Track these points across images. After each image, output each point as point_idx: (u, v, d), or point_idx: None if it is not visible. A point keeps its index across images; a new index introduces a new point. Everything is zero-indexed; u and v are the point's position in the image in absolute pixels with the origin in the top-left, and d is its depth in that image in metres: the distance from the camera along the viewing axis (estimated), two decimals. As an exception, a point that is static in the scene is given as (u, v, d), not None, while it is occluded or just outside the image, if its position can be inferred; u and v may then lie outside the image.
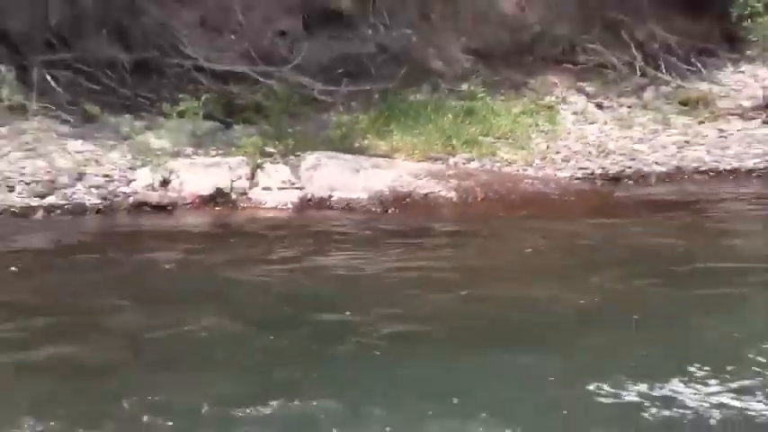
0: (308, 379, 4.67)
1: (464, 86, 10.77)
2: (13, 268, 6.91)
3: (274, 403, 4.32)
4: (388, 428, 4.11)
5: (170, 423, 4.20)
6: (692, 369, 4.96)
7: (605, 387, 4.75)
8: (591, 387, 4.73)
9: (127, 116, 9.46)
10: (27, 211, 8.29)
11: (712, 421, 4.57)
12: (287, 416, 4.48)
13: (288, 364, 5.05)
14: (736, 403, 4.77)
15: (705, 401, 4.74)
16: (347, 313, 5.56)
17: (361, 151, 9.52)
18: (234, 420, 4.24)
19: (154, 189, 9.22)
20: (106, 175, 9.01)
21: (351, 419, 4.41)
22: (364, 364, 4.96)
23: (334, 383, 4.57)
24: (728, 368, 5.08)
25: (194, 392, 4.58)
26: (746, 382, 4.91)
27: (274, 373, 4.94)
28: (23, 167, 8.45)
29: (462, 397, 4.60)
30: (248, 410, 4.28)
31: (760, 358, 5.24)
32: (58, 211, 8.16)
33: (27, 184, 9.01)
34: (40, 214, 8.53)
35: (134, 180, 9.16)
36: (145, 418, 4.13)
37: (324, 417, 4.36)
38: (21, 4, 9.71)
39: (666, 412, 4.67)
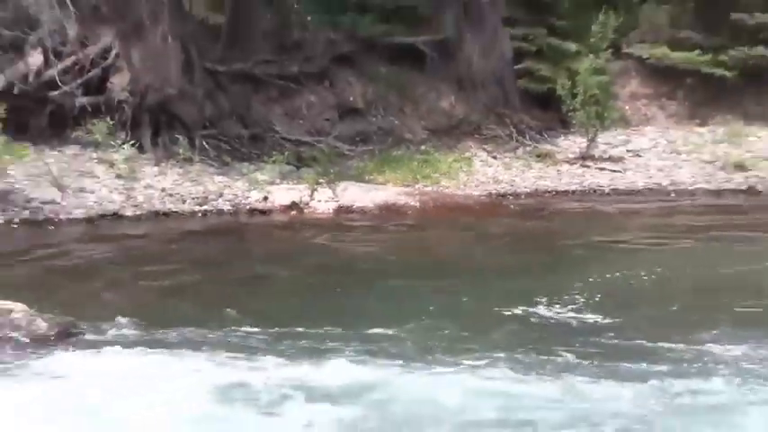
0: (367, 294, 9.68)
1: (423, 147, 17.09)
2: (187, 243, 12.86)
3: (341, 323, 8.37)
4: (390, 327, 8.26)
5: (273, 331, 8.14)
6: (539, 299, 9.10)
7: (491, 305, 8.95)
8: (485, 302, 9.07)
9: (245, 163, 15.58)
10: (192, 214, 14.20)
11: (560, 328, 8.39)
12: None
13: (342, 286, 10.01)
14: (573, 316, 8.77)
15: (555, 317, 8.74)
16: (366, 262, 11.59)
17: (368, 181, 15.67)
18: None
19: (259, 201, 15.72)
20: (234, 195, 15.41)
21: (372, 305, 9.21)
22: (380, 284, 9.95)
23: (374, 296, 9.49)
24: (564, 297, 9.28)
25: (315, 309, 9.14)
26: (574, 305, 9.01)
27: (332, 295, 9.61)
28: (191, 190, 14.45)
29: (416, 305, 9.00)
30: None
31: (579, 294, 9.28)
32: (208, 214, 14.09)
33: (193, 198, 15.22)
34: (198, 216, 14.97)
35: (249, 197, 15.62)
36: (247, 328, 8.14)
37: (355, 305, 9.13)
38: (188, 104, 15.70)
39: (534, 320, 8.67)
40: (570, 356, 7.83)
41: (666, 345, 8.21)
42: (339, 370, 7.29)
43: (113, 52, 15.79)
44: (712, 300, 9.71)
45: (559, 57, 17.56)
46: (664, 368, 7.61)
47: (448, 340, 8.25)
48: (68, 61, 15.72)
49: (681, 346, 8.20)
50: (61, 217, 13.58)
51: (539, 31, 17.76)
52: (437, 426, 6.41)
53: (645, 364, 7.71)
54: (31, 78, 15.63)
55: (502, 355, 7.73)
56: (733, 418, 6.60)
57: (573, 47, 17.27)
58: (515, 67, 18.12)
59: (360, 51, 17.66)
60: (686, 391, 7.05)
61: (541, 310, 9.33)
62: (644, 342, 8.33)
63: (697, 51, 18.09)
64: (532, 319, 9.06)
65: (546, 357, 7.86)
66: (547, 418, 6.55)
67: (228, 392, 6.76)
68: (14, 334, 8.91)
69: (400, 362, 7.57)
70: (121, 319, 8.74)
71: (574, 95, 16.47)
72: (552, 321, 9.11)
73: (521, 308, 9.28)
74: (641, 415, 6.69)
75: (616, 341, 8.45)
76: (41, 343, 8.62)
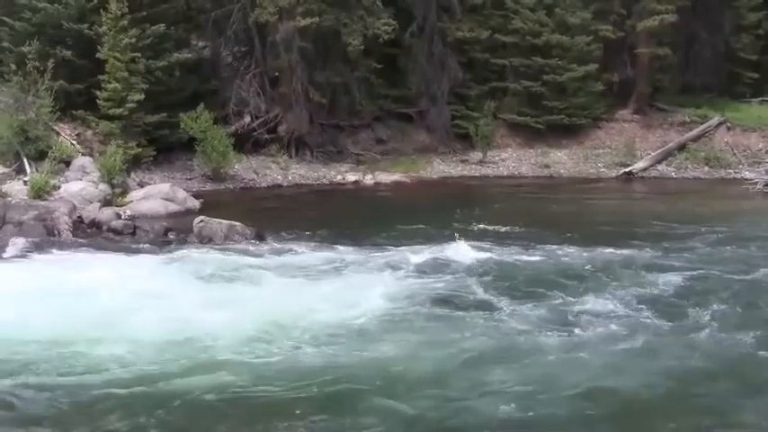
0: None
1: (412, 157, 32.31)
2: (311, 196, 29.84)
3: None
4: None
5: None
6: (471, 219, 23.27)
7: (449, 222, 24.86)
8: (446, 221, 23.81)
9: (334, 163, 31.90)
10: (312, 185, 30.88)
11: (483, 231, 23.98)
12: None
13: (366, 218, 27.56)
14: (489, 227, 24.72)
15: (479, 226, 22.42)
16: (388, 202, 28.68)
17: (388, 171, 31.00)
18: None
19: (341, 180, 32.52)
20: (330, 176, 30.70)
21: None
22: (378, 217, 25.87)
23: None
24: (481, 218, 25.82)
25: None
26: (491, 221, 24.97)
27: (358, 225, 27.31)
28: (311, 174, 30.68)
29: (413, 220, 24.21)
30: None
31: (494, 217, 24.35)
32: (319, 184, 30.94)
33: (312, 178, 33.18)
34: (314, 185, 33.41)
35: (336, 177, 30.66)
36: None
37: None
38: (310, 137, 31.46)
39: (470, 228, 26.68)
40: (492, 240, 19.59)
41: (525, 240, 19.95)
42: (376, 252, 17.78)
43: (279, 115, 32.23)
44: (554, 222, 22.12)
45: (470, 119, 33.44)
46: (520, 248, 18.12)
47: (434, 234, 19.62)
48: (261, 119, 32.08)
49: (538, 244, 19.44)
50: (257, 186, 29.41)
51: (460, 107, 34.28)
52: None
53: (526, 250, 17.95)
54: (245, 126, 31.64)
55: (454, 243, 18.36)
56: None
57: (476, 114, 33.37)
58: (452, 122, 34.20)
59: (384, 114, 34.02)
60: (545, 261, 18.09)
61: (473, 225, 21.29)
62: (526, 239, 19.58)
63: (528, 117, 34.56)
64: (469, 228, 20.86)
65: (474, 242, 18.47)
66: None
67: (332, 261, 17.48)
68: (237, 236, 20.08)
69: (407, 246, 18.40)
70: (283, 233, 20.02)
71: (476, 135, 32.84)
72: (477, 227, 21.11)
73: (463, 224, 21.22)
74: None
75: (510, 240, 19.34)
76: (248, 239, 20.13)
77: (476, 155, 33.75)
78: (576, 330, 13.33)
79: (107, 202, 23.66)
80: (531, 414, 10.31)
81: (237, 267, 17.17)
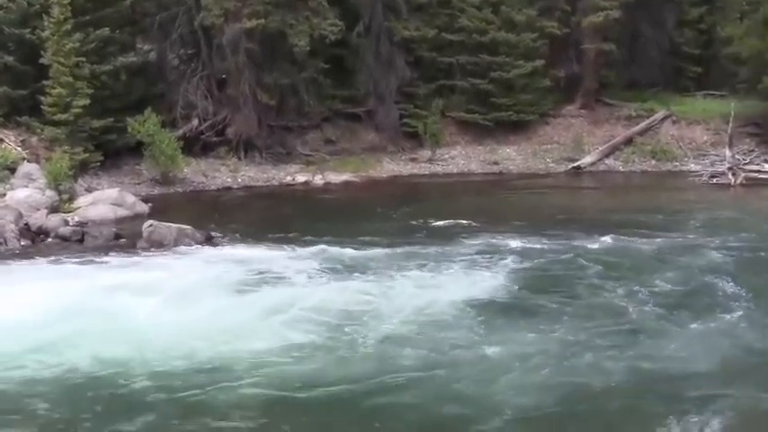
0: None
1: (361, 156, 32.37)
2: (260, 198, 29.71)
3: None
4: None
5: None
6: (423, 214, 24.64)
7: (404, 220, 23.82)
8: (398, 218, 25.69)
9: (283, 164, 31.82)
10: (262, 186, 33.13)
11: (437, 228, 25.36)
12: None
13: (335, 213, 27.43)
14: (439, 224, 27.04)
15: (433, 224, 25.35)
16: (339, 202, 28.57)
17: (337, 171, 30.91)
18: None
19: (290, 180, 33.19)
20: (279, 177, 33.30)
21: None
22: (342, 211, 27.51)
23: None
24: (431, 213, 27.35)
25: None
26: (441, 216, 23.72)
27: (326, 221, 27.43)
28: (261, 176, 30.66)
29: (364, 220, 25.50)
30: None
31: (442, 211, 27.50)
32: (268, 185, 32.96)
33: (261, 179, 33.64)
34: (264, 186, 33.37)
35: (285, 178, 32.06)
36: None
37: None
38: (259, 139, 31.46)
39: (421, 224, 26.60)
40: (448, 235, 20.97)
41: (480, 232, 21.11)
42: (320, 249, 18.04)
43: (228, 118, 32.08)
44: (503, 217, 22.58)
45: (419, 117, 33.78)
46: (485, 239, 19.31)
47: (388, 233, 20.05)
48: (209, 122, 32.01)
49: (499, 234, 19.68)
50: (206, 189, 29.45)
51: (408, 106, 34.47)
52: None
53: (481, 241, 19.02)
54: (193, 130, 31.53)
55: (407, 237, 19.84)
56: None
57: (425, 113, 33.69)
58: (400, 121, 34.47)
59: (332, 114, 34.11)
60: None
61: (429, 220, 22.09)
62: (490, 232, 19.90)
63: (476, 114, 35.03)
64: (426, 224, 21.83)
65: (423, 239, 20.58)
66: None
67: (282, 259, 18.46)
68: (187, 240, 19.96)
69: (356, 246, 18.37)
70: (233, 235, 20.16)
71: (425, 133, 33.22)
72: (431, 224, 21.70)
73: (416, 221, 22.14)
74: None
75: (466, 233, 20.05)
76: (198, 242, 20.01)
77: (425, 153, 34.12)
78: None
79: (54, 209, 23.53)
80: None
81: (186, 272, 17.10)
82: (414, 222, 22.58)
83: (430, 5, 35.76)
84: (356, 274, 16.70)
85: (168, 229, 20.39)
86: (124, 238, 21.00)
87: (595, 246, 19.04)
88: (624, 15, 36.15)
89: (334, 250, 18.54)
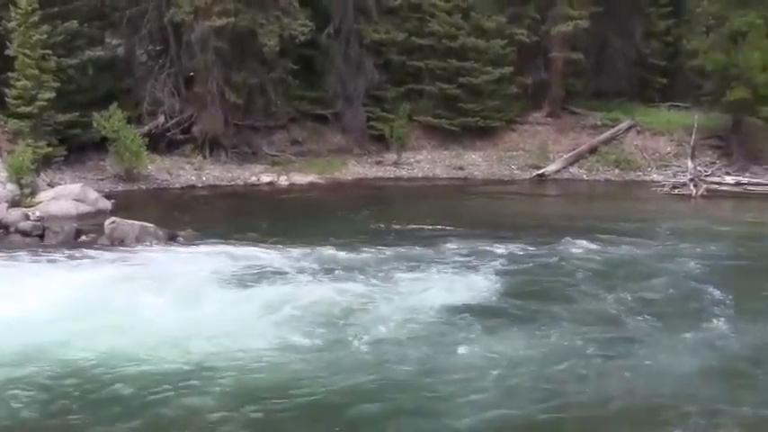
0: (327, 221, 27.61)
1: (327, 158, 32.30)
2: (224, 197, 29.58)
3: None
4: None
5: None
6: (387, 218, 24.32)
7: (366, 223, 23.87)
8: (361, 221, 25.35)
9: (249, 164, 31.62)
10: (227, 186, 33.08)
11: (399, 232, 26.23)
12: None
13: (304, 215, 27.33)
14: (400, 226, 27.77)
15: (395, 227, 22.95)
16: (303, 203, 28.56)
17: (303, 172, 31.07)
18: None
19: (255, 180, 33.37)
20: (245, 177, 33.46)
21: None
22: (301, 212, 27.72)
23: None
24: (395, 217, 26.60)
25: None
26: (404, 219, 25.15)
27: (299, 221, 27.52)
28: (226, 175, 30.64)
29: (327, 222, 27.02)
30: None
31: (405, 216, 27.21)
32: (234, 185, 32.97)
33: (226, 178, 33.47)
34: (229, 186, 33.47)
35: (251, 178, 33.02)
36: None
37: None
38: (225, 138, 31.66)
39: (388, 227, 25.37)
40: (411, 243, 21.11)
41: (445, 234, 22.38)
42: (282, 250, 18.18)
43: (194, 115, 31.98)
44: (465, 222, 22.90)
45: (386, 120, 33.78)
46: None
47: (347, 235, 19.95)
48: (175, 119, 32.08)
49: (457, 239, 20.26)
50: (170, 186, 29.56)
51: (375, 109, 34.44)
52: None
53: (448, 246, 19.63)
54: (159, 127, 31.48)
55: (365, 239, 19.67)
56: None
57: (392, 116, 33.67)
58: (367, 124, 34.37)
59: (299, 115, 34.04)
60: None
61: (392, 223, 22.21)
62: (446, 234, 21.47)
63: (443, 119, 34.99)
64: (389, 228, 21.83)
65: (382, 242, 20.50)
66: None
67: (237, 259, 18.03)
68: (150, 237, 19.98)
69: (324, 245, 18.55)
70: (196, 234, 20.11)
71: (391, 136, 33.28)
72: (394, 228, 21.87)
73: (379, 224, 22.17)
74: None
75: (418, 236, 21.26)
76: (161, 240, 19.94)
77: (391, 156, 34.23)
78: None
79: (15, 203, 23.45)
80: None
81: (146, 269, 17.08)
82: (376, 226, 22.62)
83: (401, 9, 35.80)
84: (316, 277, 16.72)
85: (131, 226, 20.36)
86: (86, 234, 20.87)
87: (557, 254, 19.26)
88: (593, 25, 36.44)
89: (295, 252, 18.61)
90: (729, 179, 32.29)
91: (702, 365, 12.06)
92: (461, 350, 12.51)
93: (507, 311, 14.62)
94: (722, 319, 14.13)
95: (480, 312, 14.36)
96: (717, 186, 31.45)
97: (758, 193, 31.08)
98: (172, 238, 20.44)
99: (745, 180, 32.35)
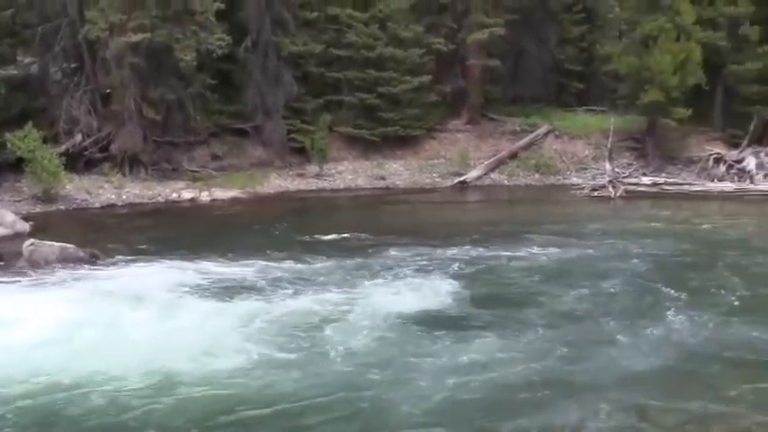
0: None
1: (248, 172, 32.03)
2: (144, 216, 29.44)
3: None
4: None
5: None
6: (311, 231, 25.59)
7: (290, 235, 24.65)
8: (284, 233, 27.26)
9: (170, 181, 32.80)
10: (147, 203, 32.57)
11: (324, 242, 26.23)
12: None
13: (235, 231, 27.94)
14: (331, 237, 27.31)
15: (322, 238, 26.00)
16: (227, 219, 28.87)
17: (224, 187, 30.83)
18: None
19: (177, 197, 33.43)
20: (165, 194, 32.81)
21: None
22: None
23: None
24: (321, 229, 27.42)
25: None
26: (329, 232, 26.47)
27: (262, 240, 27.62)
28: (146, 193, 30.14)
29: (250, 234, 27.52)
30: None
31: (332, 227, 27.54)
32: (155, 202, 32.80)
33: (147, 196, 33.14)
34: (150, 203, 33.04)
35: (172, 195, 32.50)
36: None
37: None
38: (145, 155, 33.40)
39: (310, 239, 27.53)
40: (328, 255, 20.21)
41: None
42: (208, 266, 18.40)
43: (112, 133, 31.71)
44: (396, 225, 24.86)
45: (307, 132, 33.81)
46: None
47: (271, 249, 20.13)
48: (93, 138, 31.68)
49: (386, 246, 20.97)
50: (90, 206, 29.08)
51: (295, 121, 34.37)
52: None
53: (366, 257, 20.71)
54: (76, 145, 31.11)
55: (287, 254, 19.53)
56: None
57: (312, 128, 33.68)
58: (288, 136, 34.20)
59: (219, 129, 33.85)
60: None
61: (316, 235, 22.45)
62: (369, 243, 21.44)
63: (364, 129, 35.05)
64: (313, 239, 21.99)
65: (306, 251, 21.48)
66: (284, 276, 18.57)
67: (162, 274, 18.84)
68: (70, 259, 19.63)
69: (244, 259, 19.06)
70: (117, 254, 19.78)
71: (312, 148, 33.27)
72: (319, 239, 22.02)
73: (304, 236, 22.32)
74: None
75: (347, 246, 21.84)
76: (82, 261, 19.84)
77: (312, 168, 34.26)
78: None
79: (-72, 229, 22.77)
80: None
81: (67, 291, 16.86)
82: (301, 238, 22.68)
83: (318, 21, 35.90)
84: (240, 292, 16.69)
85: (50, 248, 20.07)
86: (3, 257, 20.46)
87: (493, 258, 19.70)
88: (508, 33, 37.05)
89: (214, 268, 18.64)
90: (646, 180, 33.01)
91: (669, 363, 12.40)
92: (422, 357, 12.65)
93: (457, 317, 14.88)
94: (677, 314, 14.70)
95: (434, 319, 14.64)
96: (634, 187, 32.16)
97: (673, 192, 31.74)
98: (93, 259, 20.20)
99: (661, 180, 33.06)
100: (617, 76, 38.16)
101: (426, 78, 35.98)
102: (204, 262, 19.11)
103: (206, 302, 15.93)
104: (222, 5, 31.55)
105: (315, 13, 35.75)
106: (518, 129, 37.72)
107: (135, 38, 29.85)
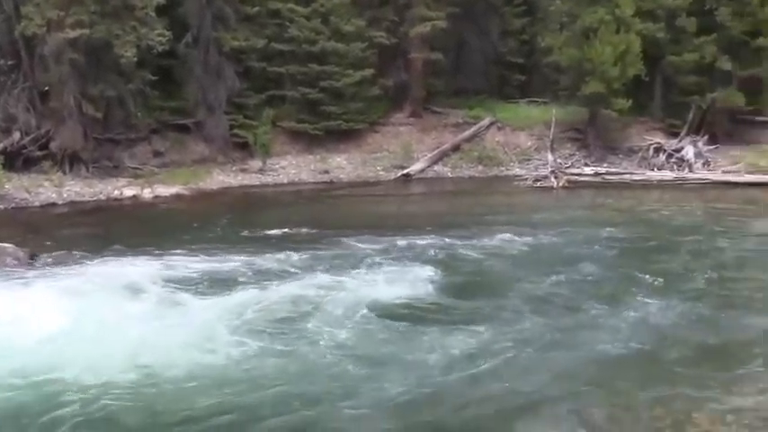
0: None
1: (191, 168, 31.84)
2: (86, 214, 29.07)
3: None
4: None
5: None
6: (257, 225, 27.25)
7: (235, 230, 26.73)
8: (228, 229, 27.78)
9: (111, 178, 32.95)
10: (89, 201, 32.78)
11: (272, 237, 27.43)
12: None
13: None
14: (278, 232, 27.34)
15: (267, 233, 27.27)
16: (171, 215, 28.73)
17: (167, 184, 31.12)
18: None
19: (118, 194, 33.33)
20: (107, 191, 33.10)
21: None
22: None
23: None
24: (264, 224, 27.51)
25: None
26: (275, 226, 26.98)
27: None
28: (87, 191, 29.52)
29: (195, 229, 27.59)
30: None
31: (274, 222, 27.63)
32: (96, 200, 32.65)
33: (88, 194, 32.89)
34: (91, 201, 32.79)
35: (114, 192, 32.63)
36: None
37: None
38: (85, 152, 33.47)
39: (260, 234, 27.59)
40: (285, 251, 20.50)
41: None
42: (153, 263, 18.51)
43: (51, 131, 31.29)
44: (341, 218, 25.04)
45: (249, 128, 33.79)
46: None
47: (215, 244, 20.24)
48: (32, 136, 31.33)
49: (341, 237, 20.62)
50: (30, 205, 28.45)
51: (238, 116, 34.36)
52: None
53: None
54: (14, 144, 30.80)
55: (234, 249, 19.46)
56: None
57: (255, 123, 33.57)
58: (230, 132, 34.30)
59: (161, 126, 33.65)
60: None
61: (260, 230, 22.30)
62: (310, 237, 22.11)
63: (307, 123, 35.17)
64: (258, 234, 21.70)
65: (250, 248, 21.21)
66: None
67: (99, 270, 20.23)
68: (9, 259, 18.83)
69: (191, 255, 18.49)
70: (57, 253, 19.28)
71: (255, 143, 33.21)
72: (263, 234, 21.74)
73: (248, 231, 22.14)
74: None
75: (294, 241, 21.11)
76: (22, 262, 18.97)
77: (255, 164, 34.09)
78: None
79: None
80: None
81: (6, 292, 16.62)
82: (248, 233, 22.54)
83: (259, 16, 35.82)
84: (189, 289, 16.52)
85: (-12, 248, 19.73)
86: (-62, 259, 20.08)
87: (446, 247, 19.68)
88: (450, 25, 37.34)
89: (159, 264, 18.35)
90: (588, 170, 33.44)
91: (646, 347, 12.42)
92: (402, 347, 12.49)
93: (435, 307, 14.67)
94: (650, 298, 14.80)
95: (410, 309, 14.48)
96: (577, 177, 32.61)
97: (615, 181, 32.21)
98: (33, 259, 19.79)
99: (602, 170, 33.56)
100: (558, 68, 38.62)
101: (369, 72, 36.12)
102: (149, 259, 18.77)
103: (151, 300, 15.65)
104: (162, 1, 31.17)
105: (256, 8, 35.66)
106: (461, 121, 38.04)
107: (73, 34, 29.42)
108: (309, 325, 13.50)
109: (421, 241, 20.12)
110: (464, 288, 16.11)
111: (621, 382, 11.27)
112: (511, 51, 41.39)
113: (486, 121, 38.00)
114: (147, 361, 12.13)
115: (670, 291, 15.31)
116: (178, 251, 19.41)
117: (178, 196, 30.47)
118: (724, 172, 33.37)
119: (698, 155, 35.24)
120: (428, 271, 16.94)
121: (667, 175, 33.19)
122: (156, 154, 33.60)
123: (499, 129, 38.05)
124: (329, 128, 35.59)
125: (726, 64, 37.10)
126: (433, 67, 38.68)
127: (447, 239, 20.24)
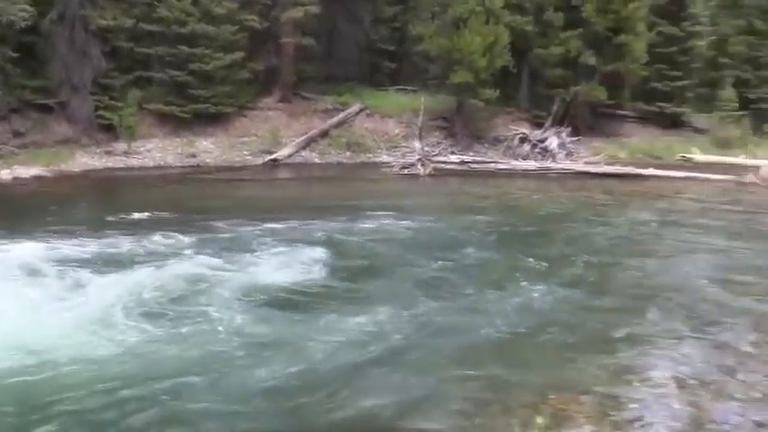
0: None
1: (53, 149, 31.70)
2: None
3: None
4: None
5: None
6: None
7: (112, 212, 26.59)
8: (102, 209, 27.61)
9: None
10: None
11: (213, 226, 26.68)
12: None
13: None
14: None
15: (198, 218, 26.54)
16: (42, 197, 27.84)
17: (27, 165, 33.47)
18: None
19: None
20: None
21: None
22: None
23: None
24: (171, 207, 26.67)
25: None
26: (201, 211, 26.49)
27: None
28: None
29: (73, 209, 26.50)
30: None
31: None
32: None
33: None
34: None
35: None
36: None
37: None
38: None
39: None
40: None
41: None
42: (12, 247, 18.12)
43: None
44: (206, 203, 24.76)
45: (115, 109, 33.11)
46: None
47: (78, 227, 19.78)
48: None
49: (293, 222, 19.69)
50: None
51: (104, 97, 33.55)
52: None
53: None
54: None
55: (98, 233, 18.51)
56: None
57: (121, 104, 33.01)
58: (95, 113, 33.43)
59: (22, 105, 32.60)
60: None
61: (123, 213, 20.80)
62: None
63: (174, 106, 34.65)
64: (121, 217, 20.46)
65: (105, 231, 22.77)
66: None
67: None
68: None
69: (53, 239, 17.13)
70: None
71: (121, 125, 32.68)
72: (127, 217, 20.49)
73: (111, 215, 20.74)
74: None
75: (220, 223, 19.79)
76: None
77: (121, 146, 33.54)
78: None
79: None
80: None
81: None
82: (109, 217, 21.71)
83: (128, -6, 35.09)
84: (44, 272, 16.11)
85: None
86: None
87: (321, 230, 19.53)
88: (323, 11, 37.41)
89: (19, 248, 17.72)
90: (454, 158, 33.99)
91: (529, 331, 12.50)
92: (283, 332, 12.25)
93: (322, 290, 14.41)
94: (533, 283, 14.90)
95: (297, 293, 14.18)
96: (443, 165, 33.14)
97: (480, 170, 32.89)
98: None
99: (468, 159, 34.19)
100: (428, 57, 39.25)
101: (239, 55, 36.01)
102: (6, 242, 18.34)
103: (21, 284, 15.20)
104: (25, -26, 30.13)
105: (125, -14, 34.85)
106: (330, 107, 38.29)
107: (-73, 6, 28.42)
108: (198, 309, 12.99)
109: (301, 225, 19.98)
110: (354, 271, 16.05)
111: (499, 366, 11.28)
112: (382, 39, 41.79)
113: (355, 108, 38.30)
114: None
115: (551, 276, 15.60)
116: (40, 235, 18.74)
117: (38, 178, 29.62)
118: (586, 163, 34.38)
119: (561, 146, 36.31)
120: (319, 253, 16.81)
121: (531, 165, 34.03)
122: (17, 134, 32.65)
123: (368, 116, 38.41)
124: (197, 111, 35.30)
125: (590, 59, 38.32)
126: (305, 53, 38.75)
127: (328, 223, 20.17)
